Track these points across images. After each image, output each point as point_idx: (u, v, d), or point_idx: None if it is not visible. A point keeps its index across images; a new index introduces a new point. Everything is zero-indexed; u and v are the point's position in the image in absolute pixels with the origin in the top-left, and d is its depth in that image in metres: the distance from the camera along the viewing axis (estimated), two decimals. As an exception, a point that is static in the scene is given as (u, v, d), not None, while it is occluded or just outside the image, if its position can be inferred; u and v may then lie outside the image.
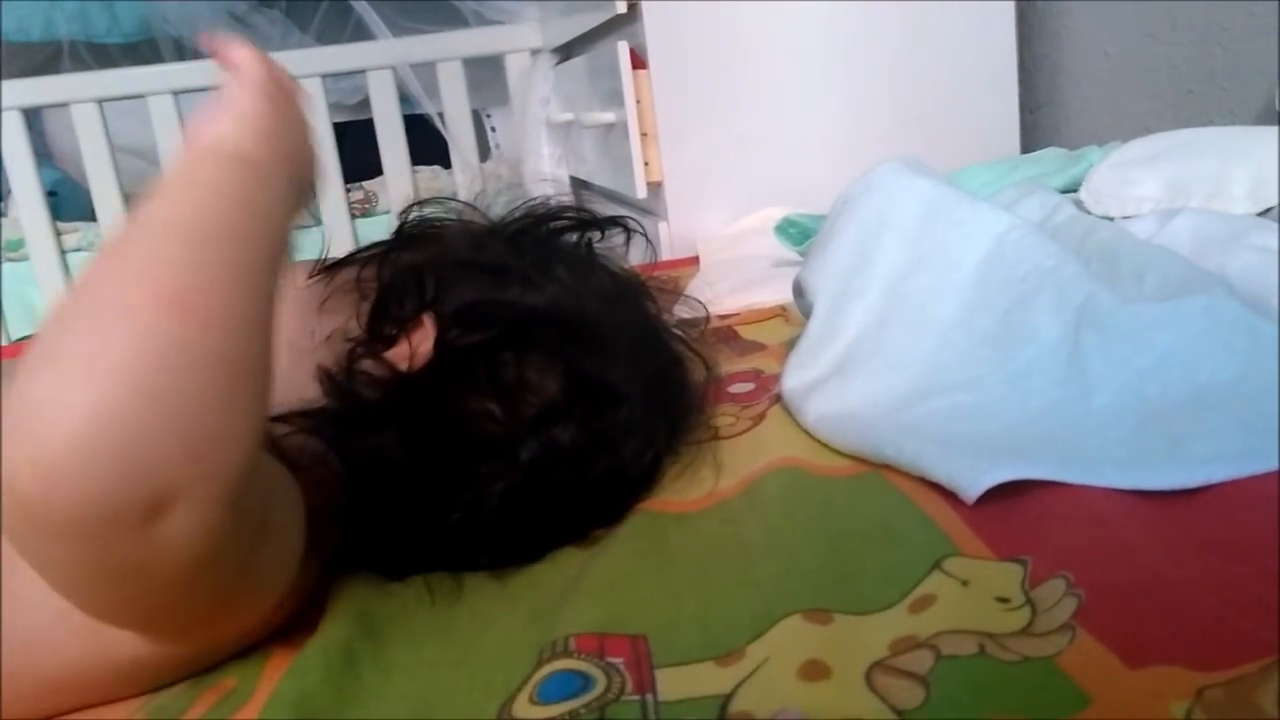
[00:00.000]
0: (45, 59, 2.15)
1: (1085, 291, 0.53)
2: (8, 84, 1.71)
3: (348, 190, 1.89)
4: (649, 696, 0.34)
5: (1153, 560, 0.37)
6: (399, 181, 1.89)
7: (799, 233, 0.93)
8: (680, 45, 1.20)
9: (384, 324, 0.49)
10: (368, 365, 0.47)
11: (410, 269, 0.51)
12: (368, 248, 0.54)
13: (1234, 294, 0.50)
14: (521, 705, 0.34)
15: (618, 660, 0.36)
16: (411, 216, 0.56)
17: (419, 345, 0.48)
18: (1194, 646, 0.31)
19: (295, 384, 0.47)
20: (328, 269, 0.54)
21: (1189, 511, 0.40)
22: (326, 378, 0.47)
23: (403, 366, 0.47)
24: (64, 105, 1.75)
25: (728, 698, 0.33)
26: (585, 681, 0.35)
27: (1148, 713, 0.28)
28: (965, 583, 0.38)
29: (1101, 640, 0.32)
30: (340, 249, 0.56)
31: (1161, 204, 0.72)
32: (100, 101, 1.75)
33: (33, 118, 1.84)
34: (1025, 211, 0.72)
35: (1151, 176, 0.74)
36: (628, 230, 0.59)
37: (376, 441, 0.46)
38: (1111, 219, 0.73)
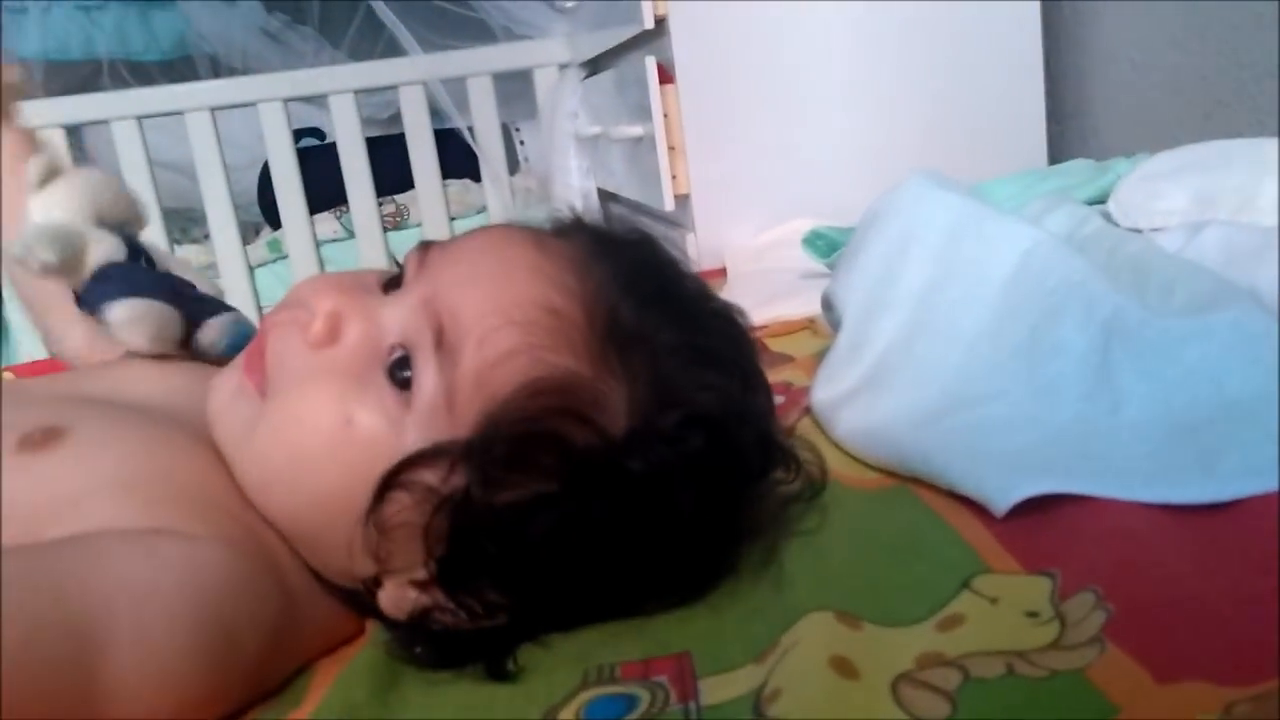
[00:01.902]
0: (85, 76, 2.20)
1: (1113, 305, 0.53)
2: (51, 102, 1.75)
3: (380, 204, 1.92)
4: (692, 704, 0.35)
5: (1182, 574, 0.37)
6: (430, 195, 1.92)
7: (826, 245, 0.93)
8: (707, 60, 1.21)
9: (466, 599, 0.40)
10: (434, 617, 0.41)
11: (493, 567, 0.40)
12: (423, 459, 0.39)
13: (1263, 308, 0.50)
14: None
15: (662, 678, 0.37)
16: (485, 438, 0.39)
17: (496, 620, 0.41)
18: (1223, 661, 0.31)
19: (338, 556, 0.41)
20: (376, 500, 0.40)
21: (1219, 525, 0.40)
22: (388, 620, 0.42)
23: (469, 627, 0.41)
24: (104, 122, 1.80)
25: (762, 686, 0.34)
26: (630, 701, 0.36)
27: (1176, 726, 0.29)
28: (994, 600, 0.38)
29: (1130, 654, 0.32)
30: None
31: (1189, 216, 0.72)
32: (140, 118, 1.79)
33: (74, 133, 1.88)
34: (1053, 223, 0.72)
35: (1179, 189, 0.74)
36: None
37: (418, 645, 0.42)
38: (1140, 231, 0.73)
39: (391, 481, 0.39)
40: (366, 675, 0.38)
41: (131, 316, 0.51)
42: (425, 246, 0.45)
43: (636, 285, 0.43)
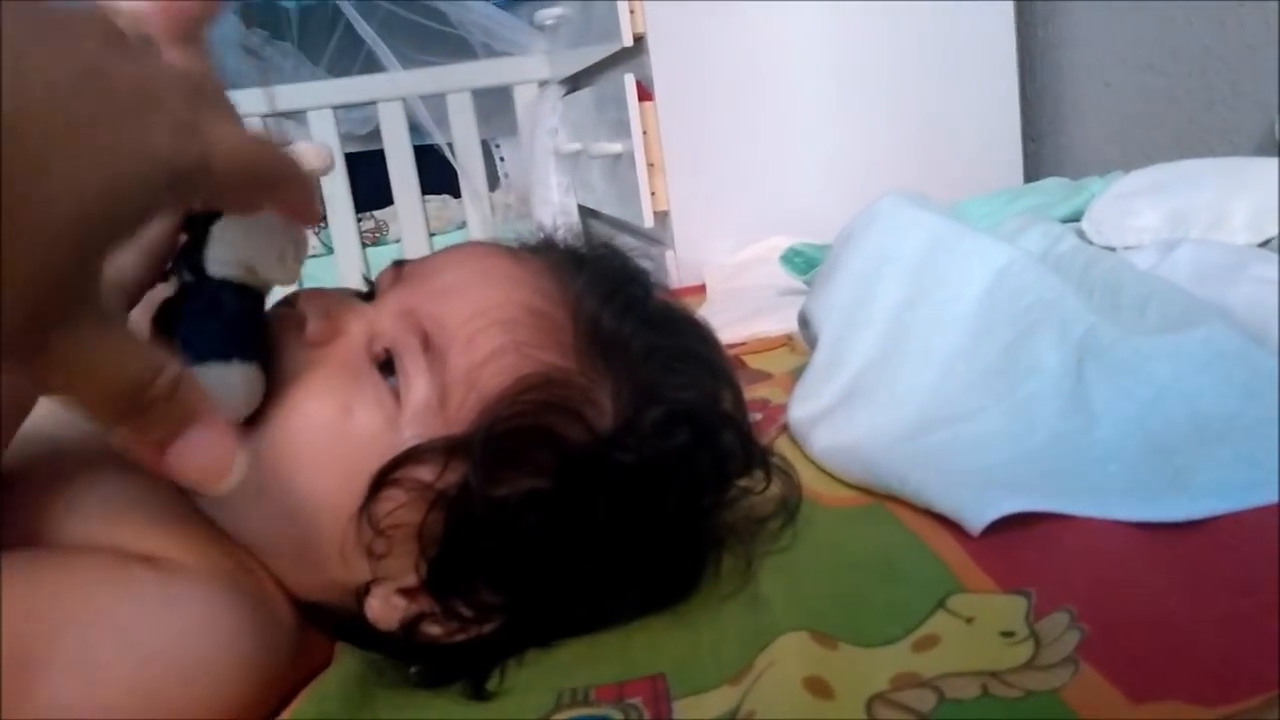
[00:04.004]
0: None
1: (1087, 324, 0.54)
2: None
3: (359, 220, 1.91)
4: (663, 726, 0.34)
5: (1156, 593, 0.37)
6: (409, 211, 1.91)
7: (804, 262, 0.94)
8: (686, 77, 1.21)
9: (456, 603, 0.41)
10: (423, 627, 0.41)
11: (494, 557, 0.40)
12: (419, 454, 0.39)
13: (1234, 326, 0.51)
14: None
15: (636, 700, 0.37)
16: (485, 432, 0.39)
17: (485, 626, 0.41)
18: (1196, 681, 0.31)
19: (325, 567, 0.40)
20: (370, 495, 0.39)
21: (1192, 543, 0.40)
22: (373, 627, 0.41)
23: (459, 638, 0.41)
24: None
25: (736, 708, 0.34)
26: None
27: (1150, 747, 0.29)
28: (969, 620, 0.38)
29: (1104, 674, 0.32)
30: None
31: (1162, 234, 0.72)
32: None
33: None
34: (1027, 241, 0.73)
35: (1152, 207, 0.75)
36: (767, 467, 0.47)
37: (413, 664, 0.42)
38: (1113, 249, 0.74)
39: (387, 477, 0.39)
40: (338, 693, 0.38)
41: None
42: (399, 265, 0.46)
43: (612, 293, 0.44)
